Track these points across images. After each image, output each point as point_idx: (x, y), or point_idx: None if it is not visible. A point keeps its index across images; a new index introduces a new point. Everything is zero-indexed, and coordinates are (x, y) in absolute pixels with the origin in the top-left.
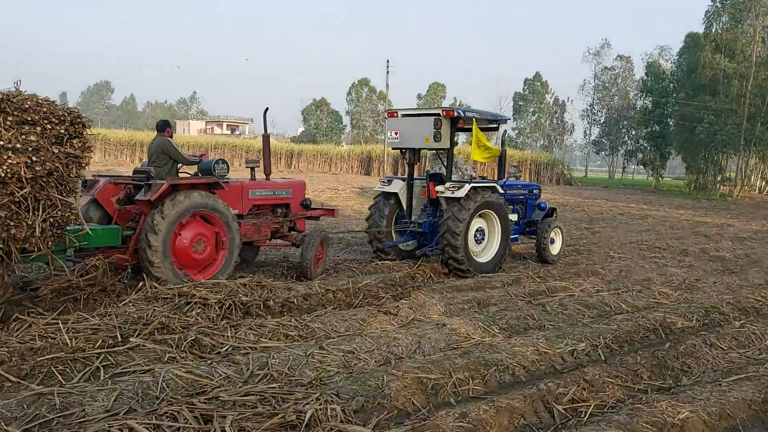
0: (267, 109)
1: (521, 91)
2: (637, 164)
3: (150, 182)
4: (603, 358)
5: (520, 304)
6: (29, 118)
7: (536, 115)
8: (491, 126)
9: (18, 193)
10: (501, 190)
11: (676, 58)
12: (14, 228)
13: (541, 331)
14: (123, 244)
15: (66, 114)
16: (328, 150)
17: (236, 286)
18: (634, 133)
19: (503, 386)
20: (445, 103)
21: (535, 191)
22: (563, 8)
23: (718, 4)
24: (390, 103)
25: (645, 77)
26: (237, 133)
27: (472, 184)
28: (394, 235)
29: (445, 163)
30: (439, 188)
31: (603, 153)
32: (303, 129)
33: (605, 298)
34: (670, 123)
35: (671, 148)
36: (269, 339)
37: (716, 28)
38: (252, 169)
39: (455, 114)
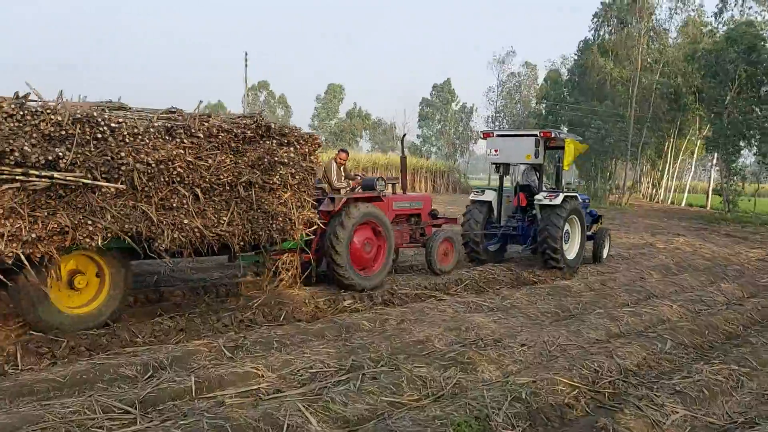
0: (405, 134)
1: (429, 97)
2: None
3: (331, 195)
4: None
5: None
6: (286, 141)
7: (441, 123)
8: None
9: (284, 196)
10: (580, 200)
11: (572, 62)
12: (282, 222)
13: None
14: (305, 246)
15: (309, 137)
16: None
17: None
18: None
19: None
20: (344, 108)
21: (586, 201)
22: (472, 13)
23: (606, 6)
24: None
25: (544, 83)
26: None
27: (564, 194)
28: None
29: (538, 175)
30: (538, 196)
31: None
32: None
33: (250, 415)
34: (563, 129)
35: None
36: None
37: (604, 31)
38: (393, 185)
39: (552, 135)
